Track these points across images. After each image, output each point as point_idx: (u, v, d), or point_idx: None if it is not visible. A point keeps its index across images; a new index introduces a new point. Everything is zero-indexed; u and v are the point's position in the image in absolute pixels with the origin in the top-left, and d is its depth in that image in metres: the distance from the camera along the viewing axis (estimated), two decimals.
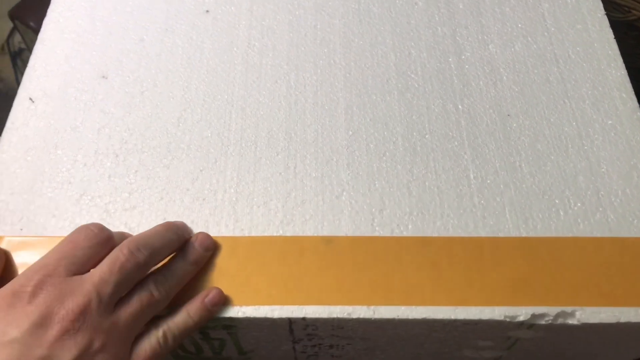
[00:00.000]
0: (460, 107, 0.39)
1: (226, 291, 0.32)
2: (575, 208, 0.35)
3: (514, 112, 0.38)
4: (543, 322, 0.31)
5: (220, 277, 0.32)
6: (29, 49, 1.04)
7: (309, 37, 0.42)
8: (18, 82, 1.10)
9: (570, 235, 0.34)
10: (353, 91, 0.39)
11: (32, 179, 0.36)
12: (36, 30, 0.92)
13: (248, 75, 0.40)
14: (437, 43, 0.41)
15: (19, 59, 1.10)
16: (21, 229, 0.34)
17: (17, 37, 1.08)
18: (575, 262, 0.33)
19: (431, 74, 0.40)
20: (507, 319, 0.31)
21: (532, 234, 0.34)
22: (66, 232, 0.34)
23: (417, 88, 0.39)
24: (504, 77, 0.40)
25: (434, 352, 0.36)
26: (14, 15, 0.97)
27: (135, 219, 0.34)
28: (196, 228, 0.34)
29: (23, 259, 0.33)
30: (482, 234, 0.34)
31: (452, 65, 0.40)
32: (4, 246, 0.33)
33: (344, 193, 0.35)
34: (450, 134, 0.37)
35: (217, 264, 0.33)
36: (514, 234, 0.34)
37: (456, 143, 0.37)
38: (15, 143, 0.37)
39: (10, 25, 1.05)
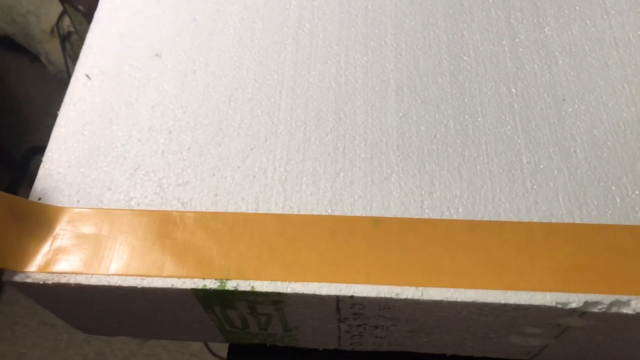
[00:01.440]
0: (513, 90, 0.38)
1: (275, 267, 0.32)
2: (633, 196, 0.34)
3: (570, 96, 0.37)
4: (596, 310, 0.30)
5: (270, 254, 0.33)
6: (78, 32, 1.06)
7: (360, 18, 0.42)
8: (67, 65, 1.13)
9: (627, 223, 0.33)
10: (404, 72, 0.39)
11: (89, 153, 0.37)
12: (85, 14, 0.94)
13: (298, 56, 0.40)
14: (491, 25, 0.41)
15: (68, 42, 1.13)
16: (78, 201, 0.35)
17: (66, 21, 1.11)
18: (631, 251, 0.32)
19: (484, 56, 0.39)
20: (559, 305, 0.30)
21: (586, 221, 0.33)
22: (121, 205, 0.35)
23: (470, 70, 0.39)
24: (560, 61, 0.39)
25: (480, 337, 0.36)
26: None
27: (188, 194, 0.35)
28: (247, 205, 0.34)
29: (80, 230, 0.34)
30: (535, 219, 0.33)
31: (505, 48, 0.40)
32: (63, 217, 0.34)
33: (393, 175, 0.35)
34: (503, 117, 0.37)
35: (266, 240, 0.33)
36: (567, 220, 0.33)
37: (509, 127, 0.36)
38: (73, 118, 0.38)
39: (60, 8, 1.08)
